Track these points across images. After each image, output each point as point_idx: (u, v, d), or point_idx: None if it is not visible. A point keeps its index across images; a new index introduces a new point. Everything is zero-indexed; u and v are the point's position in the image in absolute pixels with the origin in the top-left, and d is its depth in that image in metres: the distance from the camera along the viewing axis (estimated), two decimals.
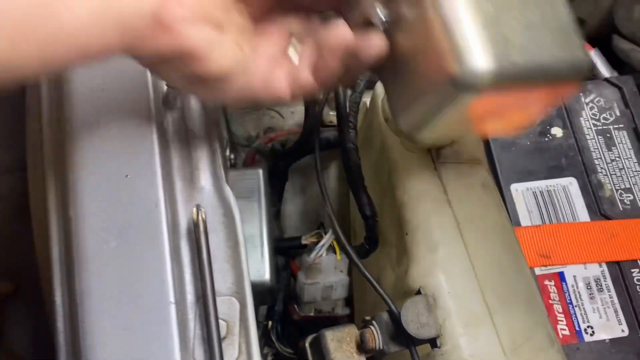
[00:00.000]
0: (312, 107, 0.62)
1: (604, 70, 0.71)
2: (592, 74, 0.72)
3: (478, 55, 0.31)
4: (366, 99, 0.58)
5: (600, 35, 1.15)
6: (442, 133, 0.42)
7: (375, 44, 0.35)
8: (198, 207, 0.43)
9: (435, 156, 0.49)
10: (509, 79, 0.32)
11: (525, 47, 0.32)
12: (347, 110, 0.54)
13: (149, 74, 0.47)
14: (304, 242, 0.60)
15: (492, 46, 0.31)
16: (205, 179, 0.46)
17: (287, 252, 0.63)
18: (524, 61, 0.32)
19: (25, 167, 0.61)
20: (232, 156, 0.63)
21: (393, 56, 0.36)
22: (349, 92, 0.55)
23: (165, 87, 0.47)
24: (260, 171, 0.57)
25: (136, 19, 0.33)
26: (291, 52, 0.39)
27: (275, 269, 0.58)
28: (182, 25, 0.33)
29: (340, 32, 0.35)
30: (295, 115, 0.71)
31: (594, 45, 1.15)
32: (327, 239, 0.57)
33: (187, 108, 0.48)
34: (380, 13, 0.35)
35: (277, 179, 0.67)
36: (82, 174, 0.43)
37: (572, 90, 0.39)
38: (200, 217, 0.42)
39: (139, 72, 0.46)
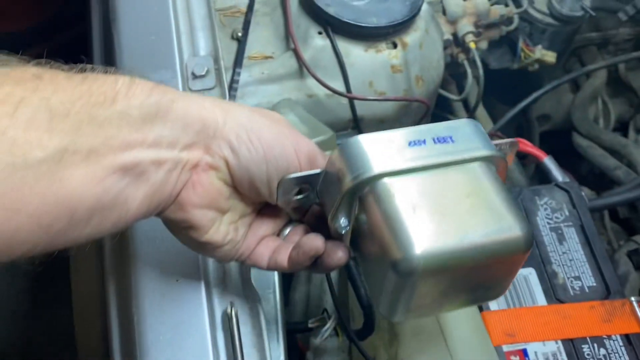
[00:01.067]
0: None
1: (557, 174, 0.85)
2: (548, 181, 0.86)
3: (411, 245, 0.37)
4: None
5: (564, 129, 1.31)
6: (414, 314, 0.45)
7: (339, 256, 0.46)
8: (232, 304, 0.55)
9: None
10: (443, 262, 0.38)
11: (457, 232, 0.38)
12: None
13: None
14: (310, 325, 0.71)
15: (426, 236, 0.38)
16: (235, 279, 0.58)
17: (295, 334, 0.74)
18: (455, 245, 0.37)
19: None
20: None
21: (361, 254, 0.45)
22: None
23: None
24: None
25: (167, 200, 0.45)
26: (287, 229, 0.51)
27: (287, 349, 0.69)
28: (192, 208, 0.46)
29: (313, 243, 0.47)
30: None
31: (557, 140, 1.31)
32: (331, 323, 0.68)
33: None
34: (342, 224, 0.44)
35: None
36: (142, 279, 0.55)
37: (520, 261, 0.42)
38: (233, 313, 0.54)
39: None
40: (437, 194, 0.40)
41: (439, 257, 0.38)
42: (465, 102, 1.06)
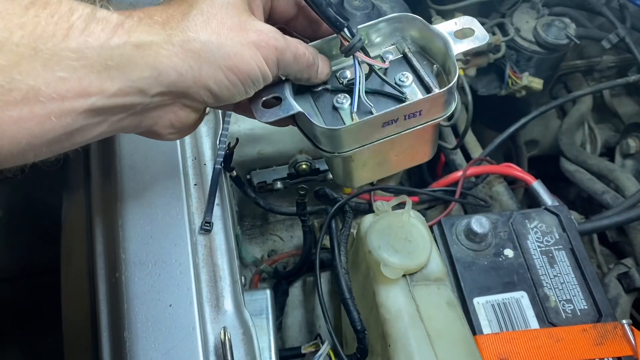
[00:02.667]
0: (309, 234, 0.76)
1: (546, 198, 0.86)
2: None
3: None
4: (353, 230, 0.71)
5: (552, 153, 1.33)
6: (366, 176, 0.57)
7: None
8: (225, 329, 0.54)
9: (409, 280, 0.62)
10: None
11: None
12: (339, 240, 0.67)
13: (186, 219, 0.60)
14: (303, 351, 0.71)
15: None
16: (228, 304, 0.58)
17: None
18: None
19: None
20: (243, 278, 0.76)
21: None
22: (339, 226, 0.69)
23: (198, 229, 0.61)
24: (268, 292, 0.69)
25: (136, 130, 0.45)
26: None
27: None
28: (168, 135, 0.47)
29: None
30: (294, 239, 0.84)
31: (546, 164, 1.33)
32: (325, 349, 0.68)
33: (213, 245, 0.61)
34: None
35: (280, 296, 0.79)
36: (134, 304, 0.55)
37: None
38: (226, 338, 0.54)
39: (178, 219, 0.60)
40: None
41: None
42: (454, 128, 1.08)
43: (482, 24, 1.04)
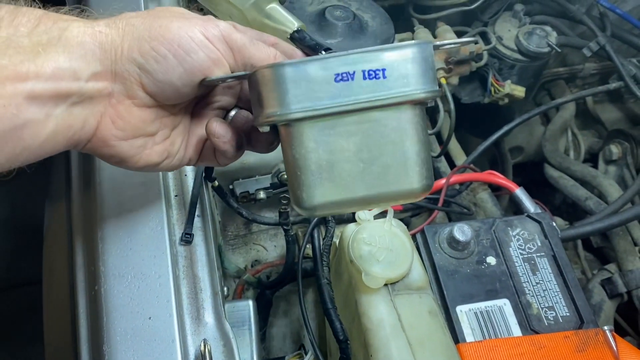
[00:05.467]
0: (292, 244, 0.76)
1: (529, 205, 0.86)
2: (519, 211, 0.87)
3: (308, 195, 0.43)
4: (335, 240, 0.71)
5: (537, 160, 1.34)
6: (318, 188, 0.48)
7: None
8: (205, 341, 0.54)
9: (391, 289, 0.62)
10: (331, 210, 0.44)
11: (350, 185, 0.42)
12: (321, 250, 0.67)
13: (166, 231, 0.60)
14: None
15: (320, 193, 0.43)
16: (209, 316, 0.58)
17: None
18: (346, 197, 0.43)
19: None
20: (226, 288, 0.75)
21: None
22: (322, 235, 0.69)
23: (178, 242, 0.60)
24: (251, 302, 0.69)
25: (82, 135, 0.43)
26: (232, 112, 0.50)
27: None
28: (117, 142, 0.44)
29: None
30: (277, 249, 0.84)
31: (531, 170, 1.34)
32: (308, 359, 0.68)
33: (194, 257, 0.61)
34: (264, 130, 0.45)
35: (263, 306, 0.79)
36: (113, 317, 0.54)
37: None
38: (207, 350, 0.53)
39: (158, 230, 0.59)
40: (344, 147, 0.42)
41: (328, 207, 0.44)
42: (438, 136, 1.08)
43: (464, 32, 1.06)
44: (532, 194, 0.90)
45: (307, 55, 0.49)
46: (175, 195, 0.65)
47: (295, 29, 0.52)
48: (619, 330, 1.01)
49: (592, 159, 1.31)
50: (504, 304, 0.72)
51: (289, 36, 0.52)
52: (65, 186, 0.73)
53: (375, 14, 0.82)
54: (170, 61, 0.42)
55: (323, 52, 0.48)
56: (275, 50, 0.46)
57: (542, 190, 1.27)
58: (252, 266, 0.82)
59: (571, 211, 1.32)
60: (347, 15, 0.78)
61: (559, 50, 1.03)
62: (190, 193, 0.65)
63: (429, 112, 1.11)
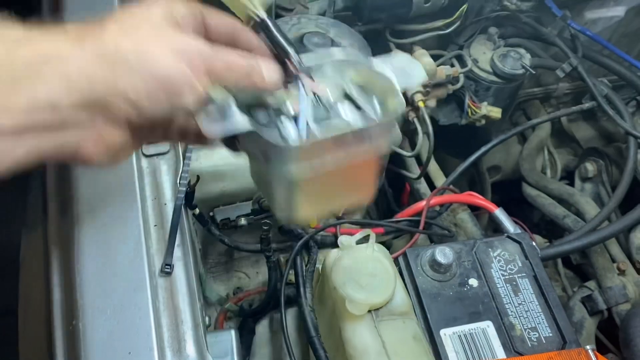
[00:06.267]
0: (274, 270, 0.75)
1: (508, 225, 0.87)
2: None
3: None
4: (318, 265, 0.71)
5: (515, 178, 1.36)
6: (309, 209, 0.54)
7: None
8: None
9: (375, 315, 0.62)
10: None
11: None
12: (304, 277, 0.67)
13: (145, 262, 0.59)
14: None
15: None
16: (190, 348, 0.57)
17: None
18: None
19: None
20: (207, 317, 0.74)
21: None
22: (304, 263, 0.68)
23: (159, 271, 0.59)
24: (233, 332, 0.68)
25: (61, 156, 0.41)
26: None
27: None
28: (98, 160, 0.43)
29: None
30: (259, 275, 0.84)
31: (509, 188, 1.36)
32: None
33: (174, 288, 0.60)
34: None
35: (246, 335, 0.78)
36: (91, 353, 0.53)
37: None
38: None
39: (137, 262, 0.59)
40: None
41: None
42: (417, 158, 1.09)
43: (440, 56, 1.08)
44: (511, 211, 0.91)
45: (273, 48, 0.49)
46: (155, 225, 0.64)
47: (259, 20, 0.50)
48: (600, 347, 1.02)
49: (568, 176, 1.33)
50: (487, 326, 0.72)
51: (252, 23, 0.51)
52: (42, 214, 0.72)
53: (353, 40, 0.83)
54: (159, 97, 0.41)
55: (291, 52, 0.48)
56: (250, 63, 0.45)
57: (520, 207, 1.29)
58: (234, 294, 0.81)
59: (550, 228, 1.34)
60: (324, 42, 0.79)
61: (533, 72, 1.05)
62: (169, 222, 0.64)
63: (408, 134, 1.12)
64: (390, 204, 1.23)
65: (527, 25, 1.11)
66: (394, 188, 1.23)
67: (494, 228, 1.20)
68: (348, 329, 0.62)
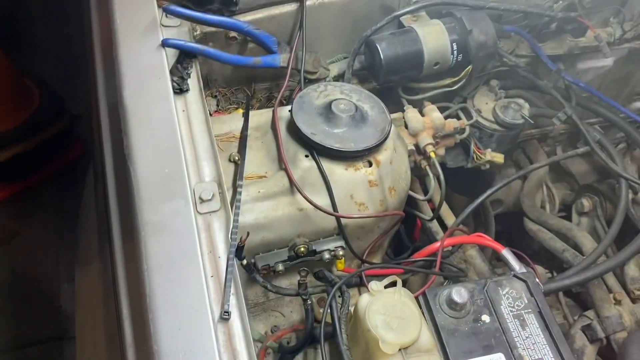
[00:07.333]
0: (311, 311, 0.85)
1: (515, 264, 0.97)
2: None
3: None
4: (350, 307, 0.81)
5: (515, 210, 1.46)
6: None
7: None
8: None
9: (404, 353, 0.72)
10: None
11: None
12: (339, 319, 0.77)
13: (209, 310, 0.69)
14: None
15: None
16: None
17: None
18: None
19: None
20: None
21: None
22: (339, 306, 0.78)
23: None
24: None
25: None
26: None
27: None
28: None
29: None
30: (293, 314, 0.93)
31: (511, 219, 1.46)
32: None
33: (232, 333, 0.70)
34: None
35: None
36: None
37: None
38: None
39: (202, 310, 0.68)
40: None
41: None
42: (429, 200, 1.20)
43: (447, 107, 1.19)
44: (513, 240, 1.01)
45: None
46: (211, 276, 0.74)
47: None
48: None
49: (566, 209, 1.43)
50: (500, 357, 0.81)
51: None
52: (98, 255, 0.82)
53: (373, 104, 0.93)
54: None
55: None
56: None
57: (522, 235, 1.39)
58: (272, 332, 0.91)
59: (550, 256, 1.44)
60: (350, 108, 0.89)
61: (532, 122, 1.16)
62: (223, 273, 0.74)
63: (419, 177, 1.22)
64: (402, 238, 1.34)
65: (525, 78, 1.22)
66: (405, 224, 1.33)
67: (497, 256, 1.30)
68: None
